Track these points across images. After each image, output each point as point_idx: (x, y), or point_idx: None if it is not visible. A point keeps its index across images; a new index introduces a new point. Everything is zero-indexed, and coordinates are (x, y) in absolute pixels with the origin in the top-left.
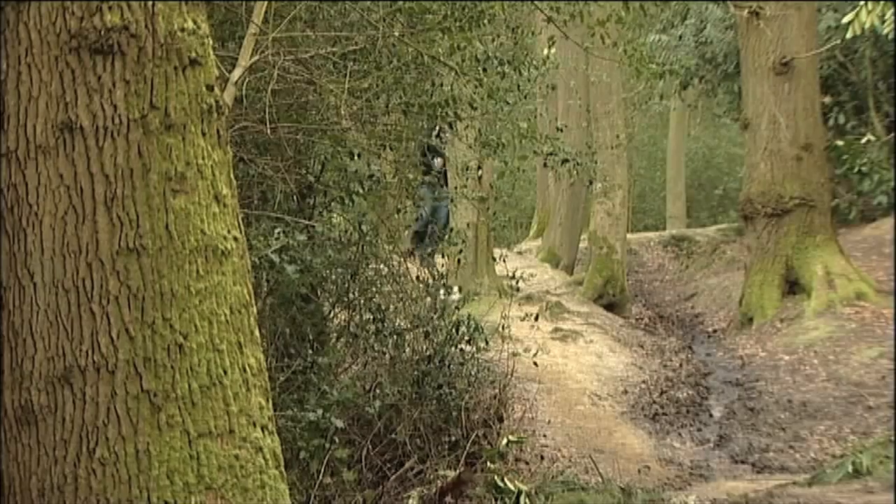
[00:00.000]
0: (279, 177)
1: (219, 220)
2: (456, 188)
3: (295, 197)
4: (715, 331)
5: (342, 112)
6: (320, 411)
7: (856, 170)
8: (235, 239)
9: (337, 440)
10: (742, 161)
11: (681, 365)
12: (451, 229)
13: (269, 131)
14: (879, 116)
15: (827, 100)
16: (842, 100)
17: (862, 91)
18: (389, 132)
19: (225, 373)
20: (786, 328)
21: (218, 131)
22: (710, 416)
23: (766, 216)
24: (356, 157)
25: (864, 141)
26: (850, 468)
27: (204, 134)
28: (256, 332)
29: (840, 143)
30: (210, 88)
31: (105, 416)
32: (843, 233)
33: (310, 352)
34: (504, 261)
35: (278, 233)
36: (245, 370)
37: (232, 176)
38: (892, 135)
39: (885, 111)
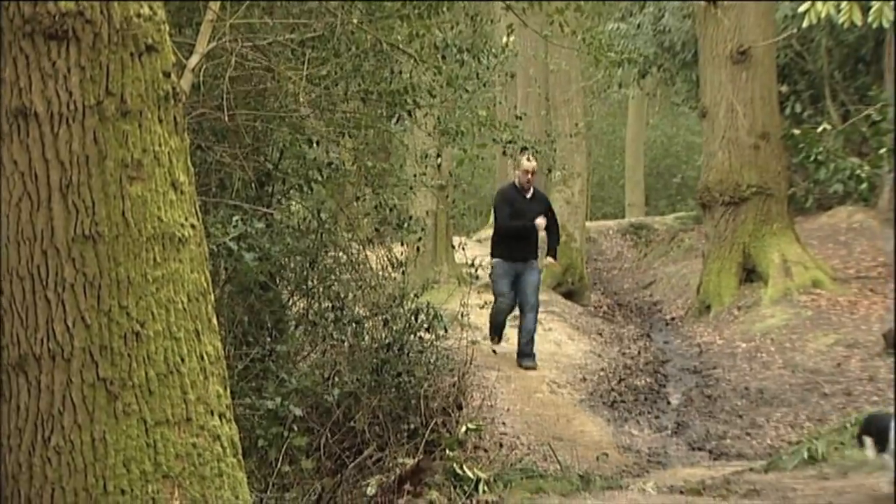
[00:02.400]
0: (237, 164)
1: (176, 207)
2: (415, 176)
3: (253, 184)
4: (673, 318)
5: (301, 99)
6: (279, 399)
7: (812, 158)
8: (193, 226)
9: (295, 428)
10: (700, 149)
11: (639, 353)
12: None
13: (226, 118)
14: (835, 106)
15: (784, 89)
16: (798, 89)
17: (818, 80)
18: (348, 119)
19: (182, 361)
20: (743, 316)
21: (175, 118)
22: (668, 403)
23: (723, 204)
24: (315, 145)
25: (820, 130)
26: (805, 455)
27: (161, 121)
28: (214, 320)
29: (797, 131)
30: (167, 75)
31: (60, 404)
32: (799, 221)
33: (268, 340)
34: (463, 249)
35: (236, 220)
36: (203, 358)
37: (189, 163)
38: (848, 124)
39: (841, 100)
